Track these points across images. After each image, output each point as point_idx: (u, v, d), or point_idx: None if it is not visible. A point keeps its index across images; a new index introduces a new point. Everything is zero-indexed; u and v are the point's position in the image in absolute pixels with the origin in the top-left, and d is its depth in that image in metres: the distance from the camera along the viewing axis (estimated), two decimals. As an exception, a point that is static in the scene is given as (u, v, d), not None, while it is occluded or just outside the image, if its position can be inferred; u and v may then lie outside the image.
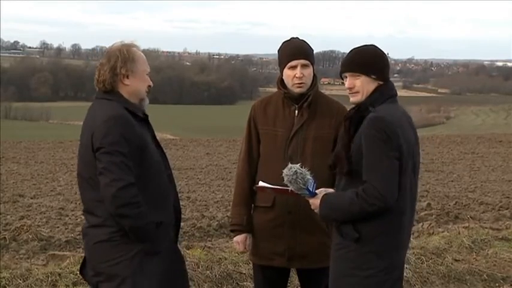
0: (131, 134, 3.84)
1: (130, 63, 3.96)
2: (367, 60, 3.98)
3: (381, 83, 3.97)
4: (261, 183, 4.41)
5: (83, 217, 5.03)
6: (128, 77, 3.97)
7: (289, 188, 4.04)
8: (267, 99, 4.88)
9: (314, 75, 4.70)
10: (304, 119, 4.64)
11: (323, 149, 4.49)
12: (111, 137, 3.77)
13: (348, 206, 3.84)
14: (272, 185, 4.27)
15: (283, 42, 4.73)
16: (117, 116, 3.84)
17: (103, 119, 3.81)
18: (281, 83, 4.71)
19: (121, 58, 3.93)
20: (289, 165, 4.04)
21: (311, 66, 4.64)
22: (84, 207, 4.04)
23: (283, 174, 4.02)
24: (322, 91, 4.90)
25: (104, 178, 3.74)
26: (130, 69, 3.97)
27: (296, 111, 4.66)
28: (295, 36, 4.74)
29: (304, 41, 4.71)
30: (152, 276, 3.95)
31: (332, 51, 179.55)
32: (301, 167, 4.01)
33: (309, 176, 4.02)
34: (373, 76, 3.96)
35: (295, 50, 4.63)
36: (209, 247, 8.93)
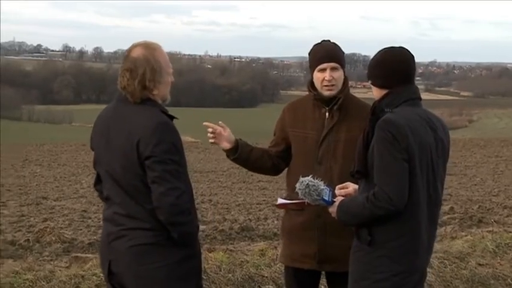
0: (179, 140, 3.86)
1: (158, 75, 3.93)
2: (370, 67, 4.05)
3: (388, 90, 3.98)
4: (280, 201, 4.46)
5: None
6: (156, 88, 3.96)
7: (306, 200, 4.06)
8: (297, 101, 4.88)
9: (345, 77, 4.69)
10: (334, 121, 4.63)
11: (353, 151, 4.47)
12: (163, 146, 3.76)
13: (360, 210, 3.85)
14: (291, 200, 4.30)
15: (314, 45, 4.73)
16: (165, 124, 3.83)
17: (151, 127, 3.78)
18: (311, 85, 4.71)
19: (149, 70, 3.87)
20: (300, 178, 4.05)
21: (341, 69, 4.64)
22: (118, 211, 3.98)
23: (297, 189, 4.03)
24: (344, 94, 4.89)
25: (158, 187, 3.74)
26: (158, 81, 3.95)
27: (326, 114, 4.66)
28: (326, 39, 4.74)
29: (335, 44, 4.71)
30: (193, 279, 3.98)
31: (353, 54, 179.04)
32: (313, 179, 4.02)
33: (322, 186, 4.02)
34: (376, 84, 4.02)
35: (325, 53, 4.63)
36: (231, 250, 8.92)
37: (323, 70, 4.60)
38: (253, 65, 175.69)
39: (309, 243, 4.67)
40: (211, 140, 4.77)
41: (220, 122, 4.77)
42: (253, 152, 4.83)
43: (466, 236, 9.83)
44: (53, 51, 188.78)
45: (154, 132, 3.78)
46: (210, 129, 4.72)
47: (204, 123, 4.74)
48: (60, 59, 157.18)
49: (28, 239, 12.20)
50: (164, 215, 3.77)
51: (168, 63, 4.02)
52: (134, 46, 3.99)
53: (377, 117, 3.89)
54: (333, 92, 4.61)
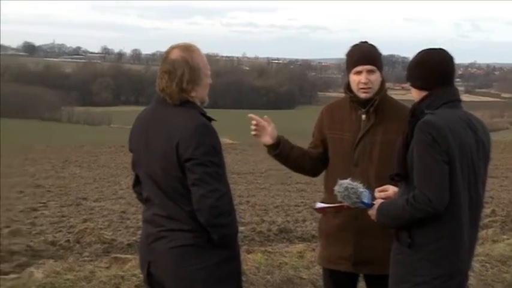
0: (218, 142, 3.87)
1: (197, 76, 3.94)
2: (409, 69, 4.03)
3: (427, 92, 3.95)
4: (319, 205, 4.45)
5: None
6: (194, 90, 3.96)
7: (345, 203, 4.06)
8: (334, 103, 4.88)
9: (382, 79, 4.67)
10: (370, 123, 4.61)
11: (390, 153, 4.45)
12: (203, 148, 3.77)
13: (399, 212, 3.83)
14: (330, 203, 4.30)
15: (351, 47, 4.70)
16: (204, 126, 3.84)
17: (191, 129, 3.79)
18: (348, 87, 4.70)
19: (187, 72, 3.88)
20: (339, 181, 4.05)
21: (378, 72, 4.61)
22: (158, 212, 4.00)
23: (335, 192, 4.03)
24: (383, 95, 4.86)
25: (199, 189, 3.75)
26: (196, 83, 3.96)
27: (363, 116, 4.64)
28: (364, 40, 4.72)
29: (372, 46, 4.68)
30: (232, 280, 3.99)
31: (392, 56, 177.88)
32: (352, 181, 4.01)
33: (361, 189, 4.01)
34: (415, 86, 3.99)
35: (361, 55, 4.61)
36: (269, 252, 8.92)
37: (359, 73, 4.58)
38: (291, 66, 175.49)
39: (345, 245, 4.66)
40: (254, 133, 4.77)
41: (265, 117, 4.77)
42: (294, 151, 4.83)
43: (507, 239, 9.74)
44: (92, 53, 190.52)
45: (193, 135, 3.78)
46: (254, 122, 4.72)
47: (249, 115, 4.73)
48: (99, 61, 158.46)
49: (68, 240, 12.34)
50: (205, 217, 3.78)
51: (206, 65, 4.03)
52: (172, 48, 3.99)
53: (416, 119, 3.87)
54: (369, 95, 4.59)
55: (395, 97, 4.86)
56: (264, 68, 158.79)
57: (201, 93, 3.99)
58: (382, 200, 4.03)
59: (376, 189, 4.12)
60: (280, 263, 7.46)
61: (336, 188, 4.03)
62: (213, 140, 3.84)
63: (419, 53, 4.05)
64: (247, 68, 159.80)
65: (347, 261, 4.68)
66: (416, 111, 3.94)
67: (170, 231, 3.92)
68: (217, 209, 3.76)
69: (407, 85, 4.07)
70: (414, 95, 4.03)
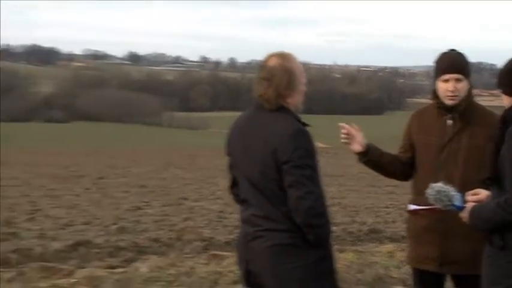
0: (313, 146, 3.90)
1: (293, 83, 3.97)
2: (499, 76, 3.94)
3: None
4: (411, 207, 4.45)
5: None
6: (290, 96, 4.00)
7: (437, 206, 4.03)
8: (423, 109, 4.84)
9: (470, 86, 4.60)
10: (457, 128, 4.56)
11: (476, 158, 4.38)
12: (300, 151, 3.80)
13: (491, 215, 3.75)
14: (422, 205, 4.27)
15: (439, 54, 4.65)
16: (301, 130, 3.87)
17: (288, 134, 3.82)
18: (435, 93, 4.65)
19: (285, 79, 3.90)
20: (431, 184, 4.00)
21: (465, 80, 4.54)
22: (255, 213, 4.04)
23: (427, 195, 3.99)
24: (471, 103, 4.79)
25: (296, 191, 3.78)
26: (292, 89, 3.99)
27: (449, 121, 4.59)
28: (452, 48, 4.66)
29: (460, 54, 4.61)
30: (328, 278, 4.00)
31: (480, 63, 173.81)
32: (444, 185, 3.97)
33: (453, 192, 3.96)
34: (506, 92, 3.90)
35: (449, 63, 4.55)
36: (360, 251, 8.88)
37: (446, 81, 4.53)
38: (380, 74, 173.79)
39: (432, 246, 4.61)
40: (344, 141, 4.78)
41: (354, 125, 4.78)
42: (383, 157, 4.81)
43: None
44: (191, 61, 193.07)
45: (291, 139, 3.81)
46: (344, 130, 4.74)
47: (340, 124, 4.75)
48: (198, 69, 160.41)
49: (170, 237, 12.54)
50: (301, 218, 3.80)
51: (302, 73, 4.05)
52: (270, 56, 4.01)
53: (507, 125, 3.81)
54: (455, 102, 4.54)
55: (483, 103, 4.78)
56: (354, 76, 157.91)
57: (296, 100, 4.02)
58: (474, 203, 3.98)
59: (468, 193, 4.06)
60: (371, 262, 7.42)
61: (428, 191, 4.00)
62: (309, 144, 3.87)
63: (510, 60, 3.97)
64: (338, 76, 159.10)
65: (434, 261, 4.63)
66: (507, 117, 3.86)
67: (267, 231, 3.95)
68: (314, 210, 3.78)
69: (496, 91, 4.00)
70: (505, 101, 3.95)
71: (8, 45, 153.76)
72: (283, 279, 3.92)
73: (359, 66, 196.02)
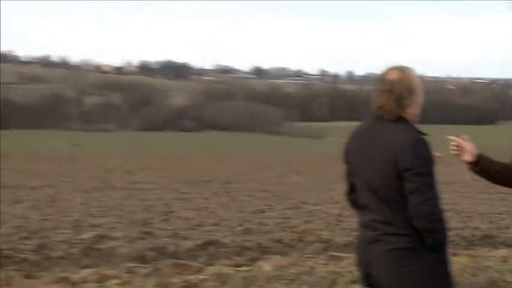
0: (432, 154, 3.88)
1: (413, 95, 3.95)
2: None
3: None
4: None
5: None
6: (409, 107, 3.98)
7: None
8: None
9: None
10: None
11: None
12: (420, 160, 3.80)
13: None
14: None
15: None
16: (421, 140, 3.87)
17: (409, 143, 3.82)
18: None
19: (405, 91, 3.91)
20: None
21: None
22: (375, 218, 4.02)
23: None
24: None
25: (416, 197, 3.78)
26: (412, 100, 3.97)
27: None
28: None
29: None
30: (446, 281, 3.95)
31: None
32: None
33: None
34: None
35: None
36: (473, 255, 8.63)
37: None
38: (493, 85, 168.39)
39: None
40: (454, 152, 4.68)
41: (464, 136, 4.67)
42: (493, 165, 4.67)
43: None
44: (311, 75, 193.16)
45: (412, 148, 3.80)
46: (453, 142, 4.64)
47: (448, 137, 4.66)
48: (317, 82, 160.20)
49: (292, 238, 12.57)
50: (422, 223, 3.78)
51: (420, 85, 4.03)
52: (390, 69, 4.00)
53: None
54: None
55: None
56: (468, 87, 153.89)
57: (414, 111, 3.99)
58: None
59: None
60: (485, 266, 7.20)
61: None
62: (428, 153, 3.85)
63: None
64: (452, 87, 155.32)
65: None
66: None
67: (386, 235, 3.92)
68: (433, 215, 3.76)
69: None
70: None
71: (146, 61, 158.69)
72: (403, 281, 3.89)
73: (472, 78, 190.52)
